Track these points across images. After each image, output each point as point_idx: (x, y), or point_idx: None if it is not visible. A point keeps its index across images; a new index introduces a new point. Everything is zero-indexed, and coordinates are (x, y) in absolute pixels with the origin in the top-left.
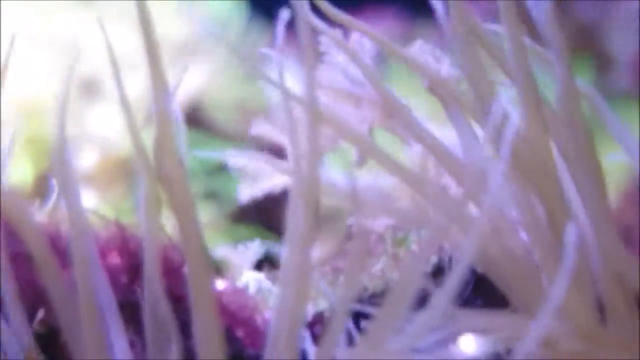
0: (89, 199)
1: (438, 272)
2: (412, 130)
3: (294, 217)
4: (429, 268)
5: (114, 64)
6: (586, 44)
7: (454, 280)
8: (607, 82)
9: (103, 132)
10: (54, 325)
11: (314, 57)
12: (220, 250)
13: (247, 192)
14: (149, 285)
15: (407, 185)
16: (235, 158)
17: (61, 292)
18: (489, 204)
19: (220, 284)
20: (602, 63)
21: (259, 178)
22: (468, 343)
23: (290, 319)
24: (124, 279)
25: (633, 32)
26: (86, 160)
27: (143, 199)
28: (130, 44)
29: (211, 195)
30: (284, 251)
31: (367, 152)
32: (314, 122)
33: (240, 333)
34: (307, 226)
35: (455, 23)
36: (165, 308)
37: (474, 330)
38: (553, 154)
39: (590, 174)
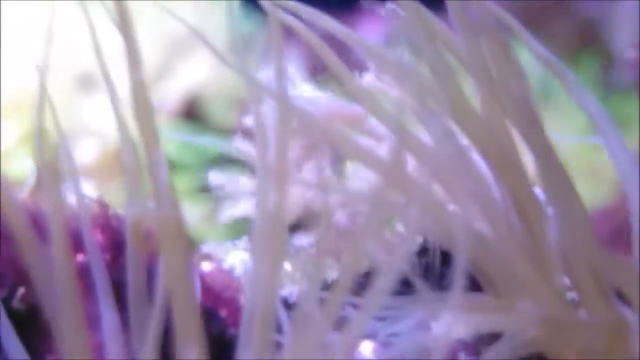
0: (89, 192)
1: (423, 253)
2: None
3: (262, 197)
4: (414, 248)
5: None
6: (589, 40)
7: (395, 265)
8: (609, 77)
9: (102, 126)
10: (35, 302)
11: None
12: (206, 247)
13: (227, 214)
14: (132, 263)
15: (385, 177)
16: (216, 178)
17: (42, 270)
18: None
19: (206, 265)
20: (604, 59)
21: (239, 198)
22: (447, 325)
23: (263, 296)
24: (107, 256)
25: (635, 28)
26: (86, 153)
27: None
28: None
29: (207, 189)
30: (255, 228)
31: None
32: (284, 118)
33: (223, 313)
34: (277, 204)
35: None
36: (147, 286)
37: (453, 311)
38: (513, 139)
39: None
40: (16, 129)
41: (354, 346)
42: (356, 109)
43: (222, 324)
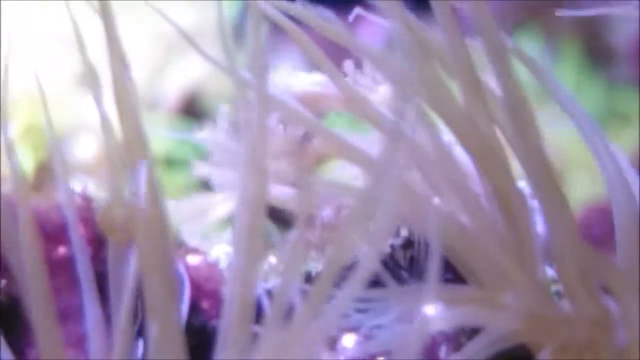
0: (89, 188)
1: (408, 245)
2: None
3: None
4: (398, 241)
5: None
6: (587, 35)
7: (371, 255)
8: (607, 72)
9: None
10: (16, 295)
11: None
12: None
13: (220, 209)
14: (114, 255)
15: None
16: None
17: (22, 263)
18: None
19: (192, 258)
20: (603, 54)
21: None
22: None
23: (240, 288)
24: (89, 249)
25: (634, 23)
26: (85, 149)
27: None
28: (131, 35)
29: (205, 185)
30: (236, 220)
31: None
32: (263, 112)
33: (205, 305)
34: (255, 197)
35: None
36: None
37: (436, 302)
38: (496, 135)
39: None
40: (14, 126)
41: (334, 338)
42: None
43: (205, 316)
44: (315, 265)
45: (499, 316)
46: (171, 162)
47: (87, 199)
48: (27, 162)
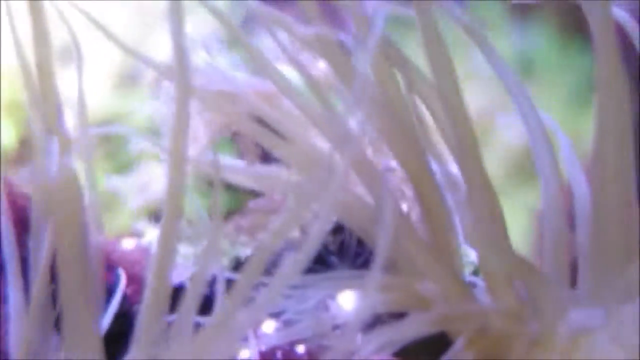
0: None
1: (338, 231)
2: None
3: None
4: (328, 226)
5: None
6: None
7: (309, 244)
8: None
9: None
10: None
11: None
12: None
13: (139, 198)
14: (36, 240)
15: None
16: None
17: None
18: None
19: (127, 242)
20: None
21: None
22: (346, 301)
23: (155, 274)
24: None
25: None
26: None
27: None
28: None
29: None
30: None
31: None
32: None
33: (130, 290)
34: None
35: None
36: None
37: (352, 289)
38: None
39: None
40: None
41: (255, 324)
42: (270, 86)
43: (129, 301)
44: (245, 251)
45: (416, 304)
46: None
47: (9, 184)
48: (10, 138)
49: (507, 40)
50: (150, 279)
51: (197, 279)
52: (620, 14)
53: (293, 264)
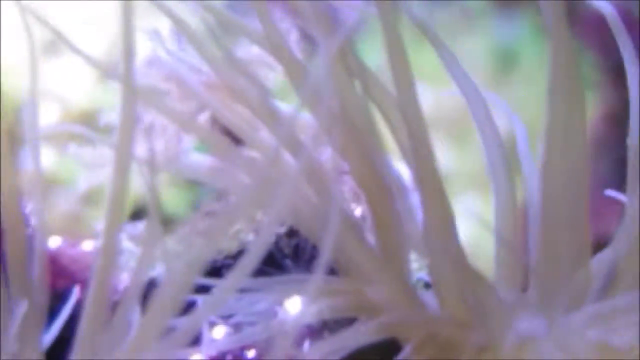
0: (50, 154)
1: (292, 234)
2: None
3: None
4: (282, 229)
5: None
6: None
7: (256, 249)
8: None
9: (63, 88)
10: None
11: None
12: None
13: (86, 181)
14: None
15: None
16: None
17: None
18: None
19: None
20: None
21: (99, 166)
22: (294, 306)
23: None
24: None
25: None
26: (47, 115)
27: None
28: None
29: None
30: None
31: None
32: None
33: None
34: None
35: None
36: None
37: (300, 294)
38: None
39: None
40: None
41: (202, 330)
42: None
43: (76, 304)
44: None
45: (365, 310)
46: None
47: None
48: None
49: (490, 32)
50: (91, 283)
51: (135, 282)
52: (606, 7)
53: (240, 267)
